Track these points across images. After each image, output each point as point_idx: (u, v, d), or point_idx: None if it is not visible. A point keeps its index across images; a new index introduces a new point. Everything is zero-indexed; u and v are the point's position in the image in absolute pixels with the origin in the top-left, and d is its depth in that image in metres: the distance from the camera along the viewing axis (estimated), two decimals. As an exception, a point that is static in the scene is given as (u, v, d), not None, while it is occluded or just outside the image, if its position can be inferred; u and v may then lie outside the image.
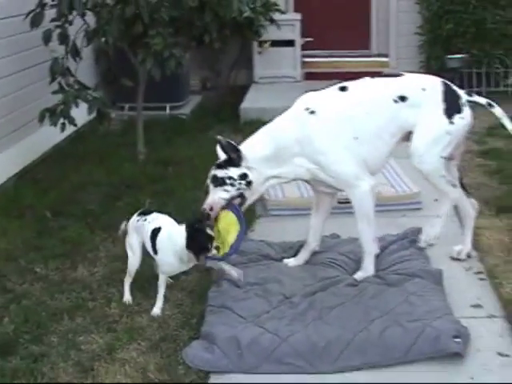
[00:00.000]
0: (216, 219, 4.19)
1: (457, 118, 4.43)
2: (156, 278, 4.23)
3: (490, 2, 9.42)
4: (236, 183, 4.21)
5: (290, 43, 9.93)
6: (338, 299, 4.10)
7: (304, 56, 10.16)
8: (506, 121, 4.67)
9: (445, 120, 4.41)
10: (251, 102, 8.78)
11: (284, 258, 4.69)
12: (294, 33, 9.92)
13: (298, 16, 10.01)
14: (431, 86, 4.46)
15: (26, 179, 6.49)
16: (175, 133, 7.88)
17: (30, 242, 5.10)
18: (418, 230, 4.87)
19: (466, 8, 9.42)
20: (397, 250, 4.69)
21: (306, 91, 4.50)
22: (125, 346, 3.81)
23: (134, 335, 3.90)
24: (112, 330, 3.97)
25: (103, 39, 6.24)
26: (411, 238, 4.82)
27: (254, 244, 4.87)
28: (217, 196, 4.22)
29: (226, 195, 4.22)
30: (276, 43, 9.82)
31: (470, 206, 4.81)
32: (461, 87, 8.99)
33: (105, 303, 4.27)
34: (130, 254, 4.30)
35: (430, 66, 9.82)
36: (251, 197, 4.30)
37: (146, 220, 4.30)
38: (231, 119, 8.44)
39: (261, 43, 9.74)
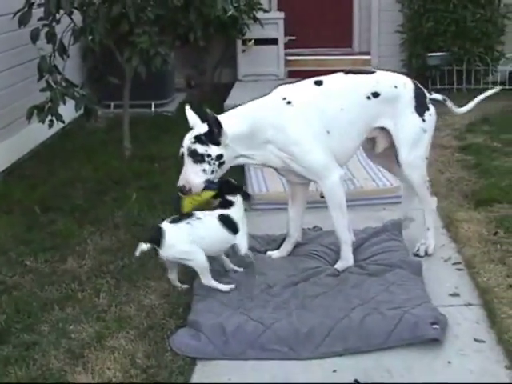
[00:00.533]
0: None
1: (427, 114, 4.63)
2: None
3: (470, 1, 9.57)
4: (212, 162, 4.16)
5: (273, 41, 10.04)
6: (320, 288, 4.22)
7: (287, 54, 10.28)
8: (456, 109, 5.01)
9: (418, 118, 4.59)
10: (235, 100, 8.83)
11: (268, 250, 4.80)
12: (277, 31, 10.02)
13: (282, 15, 10.10)
14: (402, 84, 4.60)
15: (15, 175, 6.58)
16: (160, 130, 7.95)
17: (20, 236, 5.20)
18: (398, 223, 5.03)
19: (446, 6, 9.56)
20: (377, 242, 4.80)
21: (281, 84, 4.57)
22: (114, 335, 3.91)
23: (123, 324, 4.01)
24: (101, 320, 4.07)
25: (90, 37, 6.29)
26: (391, 230, 4.96)
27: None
28: (195, 175, 4.15)
29: (204, 176, 4.17)
30: (259, 41, 9.92)
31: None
32: (441, 84, 9.30)
33: (94, 294, 4.37)
34: (193, 257, 4.15)
35: (411, 64, 9.97)
36: (217, 174, 4.26)
37: (195, 220, 4.21)
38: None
39: (244, 41, 9.85)
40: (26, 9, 6.18)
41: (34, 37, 6.24)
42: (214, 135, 4.13)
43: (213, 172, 4.18)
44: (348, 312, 3.94)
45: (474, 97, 5.05)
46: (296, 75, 9.93)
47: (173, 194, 4.36)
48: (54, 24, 6.23)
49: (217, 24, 7.72)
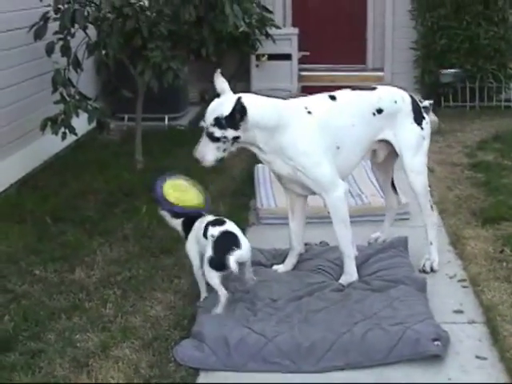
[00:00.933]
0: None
1: (424, 123, 4.83)
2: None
3: (484, 19, 9.61)
4: (227, 143, 4.22)
5: (286, 57, 10.08)
6: (323, 303, 4.25)
7: (300, 70, 10.35)
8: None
9: (417, 127, 4.77)
10: (248, 114, 8.94)
11: (273, 264, 4.85)
12: (291, 47, 10.07)
13: (296, 30, 10.18)
14: (401, 99, 4.75)
15: (28, 186, 6.66)
16: (173, 143, 8.01)
17: (31, 246, 5.27)
18: (405, 239, 5.08)
19: (459, 24, 9.61)
20: (383, 258, 4.83)
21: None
22: (118, 344, 3.96)
23: (128, 334, 4.06)
24: (107, 330, 4.13)
25: (104, 52, 6.41)
26: (397, 246, 5.00)
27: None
28: (210, 152, 4.24)
29: (217, 153, 4.26)
30: (273, 57, 9.98)
31: (395, 201, 5.23)
32: (454, 101, 9.35)
33: (101, 304, 4.42)
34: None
35: (424, 81, 10.01)
36: (228, 150, 4.32)
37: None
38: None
39: (258, 57, 9.93)
40: (41, 23, 6.30)
41: (49, 50, 6.37)
42: (235, 121, 4.15)
43: (225, 150, 4.27)
44: (350, 327, 3.96)
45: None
46: (309, 91, 9.96)
47: (159, 179, 4.50)
48: (68, 38, 6.35)
49: (229, 39, 7.81)
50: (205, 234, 4.22)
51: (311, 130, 4.37)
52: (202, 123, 4.29)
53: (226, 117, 4.15)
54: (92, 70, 6.87)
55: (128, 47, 6.52)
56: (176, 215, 4.44)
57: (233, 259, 4.04)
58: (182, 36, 6.59)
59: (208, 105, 4.32)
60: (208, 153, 4.26)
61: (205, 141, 4.27)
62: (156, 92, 6.62)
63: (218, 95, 4.30)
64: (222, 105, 4.20)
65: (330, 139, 4.43)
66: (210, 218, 4.35)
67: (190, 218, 4.42)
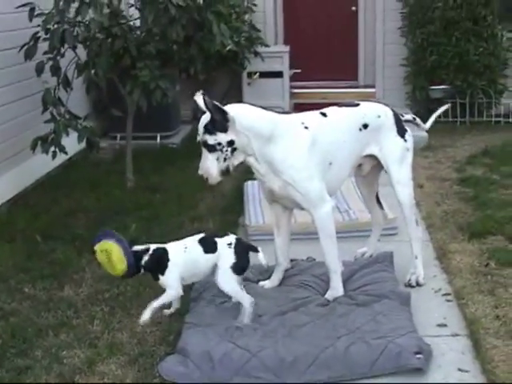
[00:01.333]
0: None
1: (407, 135, 4.92)
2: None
3: (473, 35, 9.70)
4: (224, 150, 4.27)
5: (278, 74, 10.17)
6: (307, 318, 4.30)
7: (292, 87, 10.43)
8: (420, 123, 5.26)
9: (400, 140, 4.87)
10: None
11: (260, 280, 4.89)
12: (282, 64, 10.16)
13: (287, 48, 10.27)
14: (384, 113, 4.85)
15: (19, 205, 6.71)
16: (165, 161, 8.09)
17: (20, 264, 5.32)
18: (390, 254, 5.12)
19: (449, 40, 9.71)
20: (368, 272, 4.87)
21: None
22: (105, 361, 4.01)
23: (114, 350, 4.11)
24: (93, 346, 4.18)
25: (93, 71, 6.47)
26: (382, 261, 5.05)
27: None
28: (211, 163, 4.28)
29: (218, 164, 4.29)
30: (265, 74, 10.06)
31: (380, 216, 5.31)
32: (445, 117, 9.43)
33: (88, 321, 4.47)
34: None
35: (415, 97, 10.09)
36: (229, 162, 4.35)
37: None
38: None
39: (250, 74, 10.00)
40: (31, 43, 6.35)
41: (39, 70, 6.43)
42: (217, 123, 4.22)
43: (225, 159, 4.30)
44: (333, 341, 4.01)
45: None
46: (301, 108, 10.03)
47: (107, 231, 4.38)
48: (58, 58, 6.41)
49: (218, 58, 7.89)
50: (210, 250, 4.28)
51: (305, 144, 4.43)
52: (198, 138, 4.35)
53: (210, 122, 4.24)
54: (82, 89, 6.91)
55: (117, 66, 6.60)
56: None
57: (261, 255, 4.37)
58: (171, 55, 6.66)
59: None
60: (210, 166, 4.30)
61: (204, 155, 4.32)
62: (146, 111, 6.69)
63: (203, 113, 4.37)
64: (205, 117, 4.30)
65: (323, 155, 4.50)
66: (192, 238, 4.37)
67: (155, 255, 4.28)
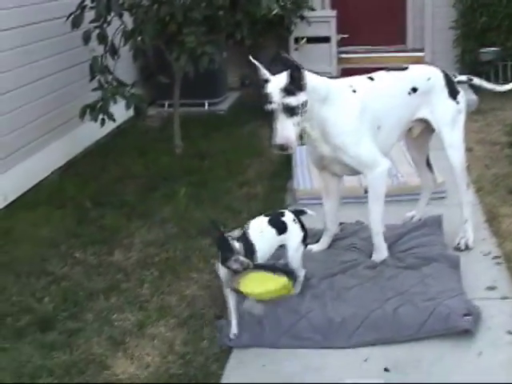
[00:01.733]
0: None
1: (459, 97, 4.83)
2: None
3: (524, -5, 9.51)
4: (301, 112, 4.12)
5: (325, 39, 10.04)
6: (355, 280, 4.30)
7: (340, 52, 10.33)
8: (485, 84, 5.15)
9: (452, 102, 4.78)
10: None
11: (308, 244, 4.90)
12: (329, 29, 10.06)
13: (333, 13, 10.15)
14: (434, 75, 4.77)
15: (69, 172, 6.81)
16: (212, 128, 8.09)
17: (71, 230, 5.41)
18: (439, 218, 5.08)
19: (499, 1, 9.49)
20: (416, 236, 4.84)
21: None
22: (154, 323, 4.08)
23: (164, 313, 4.17)
24: (143, 309, 4.24)
25: (140, 38, 6.49)
26: (431, 225, 5.01)
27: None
28: (291, 129, 4.08)
29: (296, 129, 4.11)
30: (312, 40, 9.94)
31: (431, 180, 5.23)
32: (496, 80, 9.24)
33: (138, 285, 4.54)
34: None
35: (465, 60, 9.93)
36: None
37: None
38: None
39: (297, 40, 9.94)
40: (78, 12, 6.39)
41: (86, 38, 6.47)
42: (297, 81, 4.06)
43: (299, 123, 4.15)
44: (382, 303, 4.01)
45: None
46: (349, 73, 9.94)
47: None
48: (104, 26, 6.45)
49: (264, 23, 7.84)
50: (282, 230, 4.14)
51: (355, 108, 4.39)
52: (270, 106, 4.07)
53: (290, 81, 4.06)
54: (129, 57, 6.95)
55: (164, 33, 6.60)
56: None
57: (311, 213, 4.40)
58: (217, 20, 6.64)
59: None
60: (290, 132, 4.09)
61: (282, 121, 4.08)
62: (193, 77, 6.70)
63: (266, 80, 4.14)
64: (278, 79, 4.11)
65: (371, 119, 4.46)
66: (260, 221, 4.14)
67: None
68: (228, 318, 3.93)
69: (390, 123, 4.59)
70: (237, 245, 3.77)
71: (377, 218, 4.58)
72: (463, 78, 5.02)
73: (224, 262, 3.79)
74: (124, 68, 7.36)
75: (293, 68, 4.09)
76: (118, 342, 3.91)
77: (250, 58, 4.22)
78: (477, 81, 5.08)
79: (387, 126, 4.57)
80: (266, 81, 4.13)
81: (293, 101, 4.07)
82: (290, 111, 4.08)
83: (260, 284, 3.83)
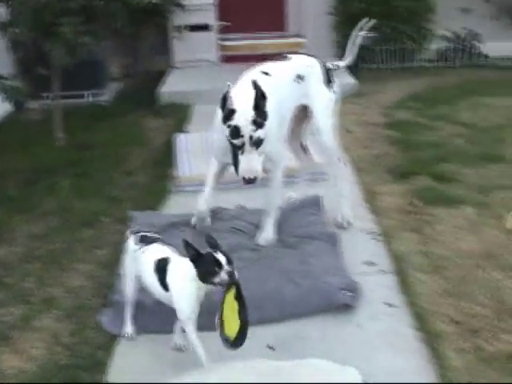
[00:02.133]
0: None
1: (335, 86, 4.99)
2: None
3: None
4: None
5: (206, 27, 10.14)
6: (241, 263, 4.34)
7: (221, 39, 10.39)
8: (341, 64, 5.25)
9: (326, 90, 4.92)
10: (169, 86, 8.98)
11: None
12: (209, 17, 10.14)
13: (211, 0, 10.20)
14: (313, 63, 4.92)
15: None
16: (95, 119, 8.00)
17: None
18: (318, 198, 5.23)
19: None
20: (298, 216, 4.98)
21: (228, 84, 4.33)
22: (40, 316, 4.06)
23: (49, 306, 4.15)
24: (28, 303, 4.21)
25: (17, 30, 6.38)
26: (311, 205, 5.15)
27: (162, 216, 5.14)
28: (258, 161, 4.10)
29: (261, 157, 4.13)
30: (193, 28, 10.00)
31: (306, 161, 5.39)
32: (374, 63, 9.45)
33: (22, 278, 4.49)
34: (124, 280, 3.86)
35: (344, 45, 10.10)
36: None
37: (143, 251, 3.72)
38: (151, 104, 8.59)
39: (179, 28, 9.95)
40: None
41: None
42: (263, 108, 4.10)
43: (261, 153, 4.18)
44: (265, 283, 4.11)
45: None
46: (231, 60, 10.08)
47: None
48: (-21, 18, 6.30)
49: (142, 12, 7.82)
50: None
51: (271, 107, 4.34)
52: (238, 141, 4.04)
53: (257, 113, 4.07)
54: (7, 49, 6.79)
55: (41, 24, 6.48)
56: None
57: None
58: (94, 10, 6.58)
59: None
60: (257, 164, 4.11)
61: (249, 153, 4.06)
62: (73, 68, 6.61)
63: (232, 111, 4.07)
64: (244, 109, 4.06)
65: (277, 111, 4.47)
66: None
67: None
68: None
69: (288, 112, 4.72)
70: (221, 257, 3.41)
71: (277, 204, 4.75)
72: (329, 65, 5.08)
73: (212, 276, 3.40)
74: (1, 60, 7.19)
75: (258, 95, 4.08)
76: (4, 336, 3.88)
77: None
78: (340, 63, 5.19)
79: (286, 114, 4.69)
80: (233, 111, 4.06)
81: (261, 134, 4.09)
82: (258, 144, 4.09)
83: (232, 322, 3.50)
